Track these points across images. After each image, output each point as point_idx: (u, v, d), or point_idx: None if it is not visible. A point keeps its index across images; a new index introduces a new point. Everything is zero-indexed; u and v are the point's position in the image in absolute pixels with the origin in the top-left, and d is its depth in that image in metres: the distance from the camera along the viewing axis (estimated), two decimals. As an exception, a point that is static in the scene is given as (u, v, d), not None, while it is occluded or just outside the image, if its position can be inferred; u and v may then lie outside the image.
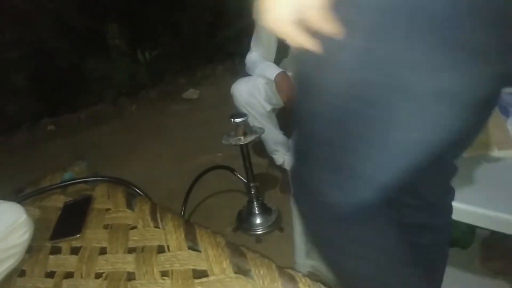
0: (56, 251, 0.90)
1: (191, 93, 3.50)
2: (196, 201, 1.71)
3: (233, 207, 1.59)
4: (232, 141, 1.26)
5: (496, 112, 0.82)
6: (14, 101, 2.78)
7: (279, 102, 1.57)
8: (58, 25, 2.93)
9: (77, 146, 2.69)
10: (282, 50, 1.72)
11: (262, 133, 1.34)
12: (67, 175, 1.25)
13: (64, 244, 0.90)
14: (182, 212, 1.48)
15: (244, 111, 1.58)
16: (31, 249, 0.90)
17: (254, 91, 1.54)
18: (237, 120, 1.22)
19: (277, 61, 1.78)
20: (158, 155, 2.33)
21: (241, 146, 1.32)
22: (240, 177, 1.45)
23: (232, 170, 1.50)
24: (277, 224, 1.46)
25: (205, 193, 1.75)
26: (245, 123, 1.27)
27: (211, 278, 0.71)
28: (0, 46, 2.51)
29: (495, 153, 0.78)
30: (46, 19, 2.76)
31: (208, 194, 1.74)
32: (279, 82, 1.49)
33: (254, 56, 1.65)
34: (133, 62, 3.52)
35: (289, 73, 1.63)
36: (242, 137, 1.26)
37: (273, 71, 1.52)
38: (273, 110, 1.66)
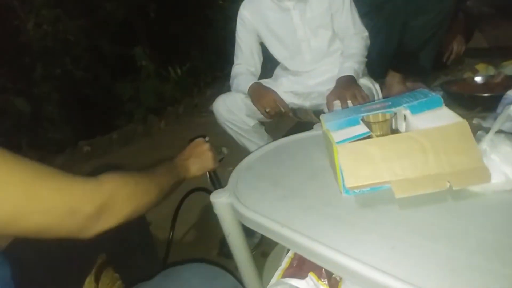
0: None
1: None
2: (186, 221, 1.68)
3: (219, 230, 1.52)
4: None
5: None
6: (54, 129, 3.02)
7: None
8: (87, 55, 3.12)
9: (108, 165, 2.85)
10: (273, 59, 1.62)
11: (226, 154, 1.26)
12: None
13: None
14: (171, 235, 1.45)
15: (227, 128, 1.52)
16: None
17: (233, 108, 1.46)
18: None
19: (270, 70, 1.69)
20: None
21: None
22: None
23: (209, 192, 1.43)
24: (260, 248, 1.35)
25: (196, 213, 1.71)
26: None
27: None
28: (32, 82, 2.74)
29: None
30: (73, 51, 2.96)
31: (198, 215, 1.70)
32: (251, 95, 1.40)
33: (236, 69, 1.57)
34: (162, 80, 3.64)
35: (268, 83, 1.53)
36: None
37: (246, 84, 1.43)
38: (261, 124, 1.57)
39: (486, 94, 1.39)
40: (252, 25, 1.51)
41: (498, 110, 1.08)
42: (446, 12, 1.61)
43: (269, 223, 0.66)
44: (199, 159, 0.89)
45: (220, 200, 0.79)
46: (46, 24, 2.78)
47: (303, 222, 0.65)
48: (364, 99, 1.17)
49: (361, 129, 0.68)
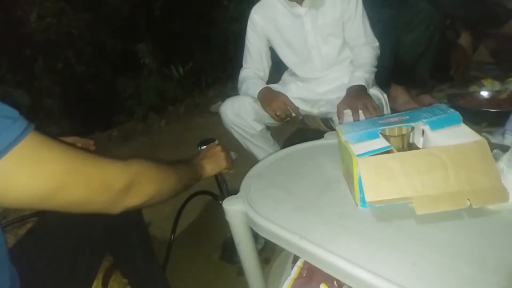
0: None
1: (219, 106, 3.48)
2: (188, 224, 1.67)
3: (222, 234, 1.52)
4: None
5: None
6: (53, 123, 2.99)
7: (272, 120, 1.48)
8: (90, 49, 3.10)
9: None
10: (281, 64, 1.62)
11: (235, 158, 1.25)
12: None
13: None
14: (172, 238, 1.44)
15: (233, 132, 1.52)
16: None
17: (241, 112, 1.46)
18: (204, 147, 1.14)
19: (279, 75, 1.69)
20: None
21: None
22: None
23: (215, 197, 1.42)
24: (263, 255, 1.35)
25: (197, 215, 1.71)
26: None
27: None
28: (33, 75, 2.71)
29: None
30: (76, 45, 2.94)
31: (200, 217, 1.69)
32: (261, 99, 1.40)
33: (244, 73, 1.57)
34: (164, 79, 3.62)
35: (277, 88, 1.54)
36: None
37: (256, 88, 1.43)
38: (267, 129, 1.57)
39: (493, 110, 1.40)
40: (263, 30, 1.51)
41: (507, 126, 1.09)
42: (434, 27, 1.70)
43: (286, 234, 0.66)
44: (213, 159, 0.93)
45: (233, 208, 0.79)
46: (49, 17, 2.75)
47: (320, 234, 0.65)
48: (375, 110, 1.17)
49: (381, 143, 0.68)
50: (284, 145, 1.72)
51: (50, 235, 0.80)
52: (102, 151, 3.04)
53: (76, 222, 0.81)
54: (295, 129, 2.15)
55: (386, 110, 1.41)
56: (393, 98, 1.86)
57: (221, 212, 1.57)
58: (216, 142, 1.10)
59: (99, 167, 0.56)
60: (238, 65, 1.65)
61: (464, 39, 2.03)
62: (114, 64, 3.39)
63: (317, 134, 1.59)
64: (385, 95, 1.45)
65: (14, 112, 0.50)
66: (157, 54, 3.60)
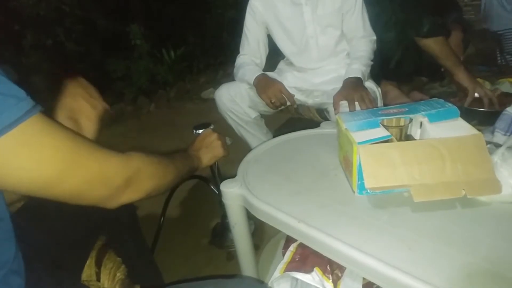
0: None
1: (210, 92, 3.47)
2: (177, 208, 1.67)
3: (212, 219, 1.53)
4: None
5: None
6: (40, 101, 2.91)
7: (267, 107, 1.48)
8: (81, 27, 3.02)
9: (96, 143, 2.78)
10: (279, 52, 1.62)
11: (230, 143, 1.25)
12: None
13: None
14: (161, 220, 1.44)
15: (228, 118, 1.52)
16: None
17: (236, 98, 1.46)
18: (200, 131, 1.14)
19: (273, 63, 1.69)
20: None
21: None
22: (215, 190, 1.38)
23: (207, 181, 1.43)
24: (252, 241, 1.36)
25: (187, 201, 1.71)
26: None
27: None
28: (21, 51, 2.63)
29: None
30: (67, 22, 2.86)
31: (190, 202, 1.69)
32: (257, 86, 1.40)
33: (241, 60, 1.56)
34: (155, 62, 3.57)
35: (273, 74, 1.54)
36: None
37: (252, 75, 1.42)
38: (261, 117, 1.57)
39: (483, 109, 1.44)
40: (262, 17, 1.50)
41: (497, 125, 1.12)
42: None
43: (284, 216, 0.67)
44: (209, 149, 0.92)
45: (231, 190, 0.79)
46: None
47: (318, 218, 0.66)
48: (371, 102, 1.19)
49: (382, 132, 0.70)
50: (277, 134, 1.73)
51: (43, 213, 0.79)
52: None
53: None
54: (288, 118, 2.16)
55: (380, 103, 1.43)
56: (384, 93, 1.89)
57: (211, 197, 1.58)
58: (212, 127, 1.10)
59: (101, 160, 0.54)
60: (231, 53, 1.64)
61: (454, 37, 2.05)
62: (105, 43, 3.32)
63: (310, 124, 1.61)
64: (379, 89, 1.47)
65: (20, 92, 0.47)
66: (149, 36, 3.54)
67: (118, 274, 0.82)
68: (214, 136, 0.94)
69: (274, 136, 1.63)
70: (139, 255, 1.02)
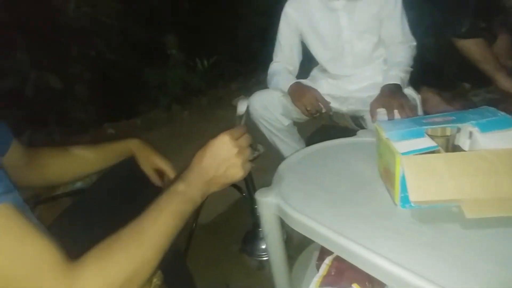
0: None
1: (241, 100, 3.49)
2: (208, 213, 1.67)
3: (243, 225, 1.51)
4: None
5: None
6: (81, 109, 3.05)
7: (300, 115, 1.46)
8: (120, 38, 3.14)
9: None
10: (311, 59, 1.60)
11: (262, 151, 1.24)
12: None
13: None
14: (193, 226, 1.45)
15: (260, 125, 1.51)
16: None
17: (269, 105, 1.44)
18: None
19: (306, 71, 1.67)
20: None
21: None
22: (247, 197, 1.36)
23: (239, 189, 1.42)
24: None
25: (218, 206, 1.71)
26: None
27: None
28: (66, 61, 2.77)
29: None
30: (107, 34, 2.99)
31: (221, 208, 1.69)
32: (292, 94, 1.38)
33: (274, 67, 1.55)
34: (189, 70, 3.64)
35: (307, 82, 1.51)
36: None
37: (286, 83, 1.41)
38: (294, 124, 1.55)
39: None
40: (296, 23, 1.48)
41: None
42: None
43: (321, 228, 0.64)
44: (223, 171, 0.63)
45: (266, 200, 0.78)
46: (85, 6, 2.80)
47: (357, 231, 0.63)
48: (411, 110, 1.14)
49: (427, 142, 0.66)
50: (309, 141, 1.70)
51: (88, 216, 0.80)
52: (128, 137, 3.10)
53: (111, 205, 0.82)
54: (320, 125, 2.12)
55: (420, 111, 1.37)
56: (424, 100, 1.81)
57: (242, 204, 1.57)
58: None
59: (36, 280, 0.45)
60: (263, 60, 1.64)
61: (501, 41, 1.94)
62: (142, 53, 3.43)
63: (344, 132, 1.57)
64: (419, 97, 1.41)
65: None
66: (183, 45, 3.62)
67: (154, 280, 0.82)
68: (232, 151, 0.62)
69: (307, 144, 1.62)
70: (174, 261, 1.02)
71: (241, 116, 0.76)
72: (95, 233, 0.77)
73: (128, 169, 0.94)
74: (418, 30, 1.53)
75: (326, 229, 0.64)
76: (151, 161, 0.96)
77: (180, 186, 0.60)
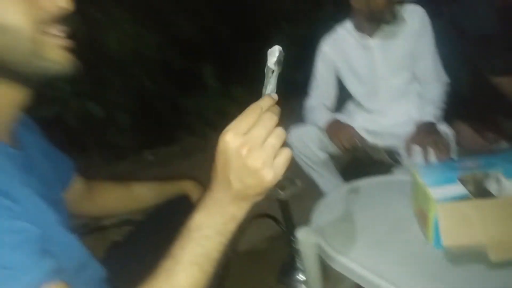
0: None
1: (275, 127, 3.58)
2: (243, 243, 1.73)
3: (279, 255, 1.56)
4: (271, 194, 1.25)
5: None
6: (121, 136, 3.27)
7: (336, 149, 1.51)
8: (159, 69, 3.37)
9: (170, 175, 3.02)
10: (345, 93, 1.67)
11: (301, 187, 1.31)
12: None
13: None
14: (230, 255, 1.51)
15: (297, 159, 1.57)
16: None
17: (307, 140, 1.51)
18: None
19: (341, 104, 1.73)
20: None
21: (280, 200, 1.30)
22: (284, 229, 1.42)
23: (277, 221, 1.48)
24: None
25: (255, 236, 1.76)
26: (283, 176, 1.25)
27: None
28: (109, 92, 3.00)
29: None
30: (147, 65, 3.21)
31: (258, 238, 1.74)
32: (328, 130, 1.44)
33: (311, 102, 1.63)
34: (225, 98, 3.81)
35: (342, 118, 1.57)
36: (280, 191, 1.25)
37: (323, 118, 1.48)
38: (330, 157, 1.61)
39: None
40: (332, 61, 1.56)
41: None
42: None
43: (363, 271, 0.70)
44: (245, 183, 0.45)
45: (306, 238, 0.84)
46: (126, 39, 3.04)
47: (395, 274, 0.68)
48: (445, 148, 1.17)
49: (459, 188, 0.70)
50: (344, 173, 1.75)
51: (140, 250, 0.86)
52: (165, 165, 3.26)
53: (163, 241, 0.89)
54: (355, 156, 2.16)
55: (454, 146, 1.39)
56: (457, 133, 1.81)
57: (280, 235, 1.62)
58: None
59: None
60: (296, 88, 1.70)
61: None
62: (180, 82, 3.64)
63: (379, 165, 1.60)
64: (452, 132, 1.43)
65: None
66: (220, 74, 3.80)
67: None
68: (240, 155, 0.44)
69: (342, 176, 1.67)
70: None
71: (269, 70, 0.52)
72: (147, 268, 0.84)
73: (182, 207, 1.01)
74: (453, 65, 1.57)
75: (366, 271, 0.69)
76: None
77: (195, 221, 0.48)
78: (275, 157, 0.45)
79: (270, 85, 0.52)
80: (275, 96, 0.50)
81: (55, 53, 0.50)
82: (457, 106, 1.76)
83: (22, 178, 0.47)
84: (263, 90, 0.53)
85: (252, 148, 0.44)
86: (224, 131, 0.47)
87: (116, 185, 0.99)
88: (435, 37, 1.43)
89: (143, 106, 3.38)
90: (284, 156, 0.45)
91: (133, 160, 3.41)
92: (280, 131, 0.45)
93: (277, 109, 0.48)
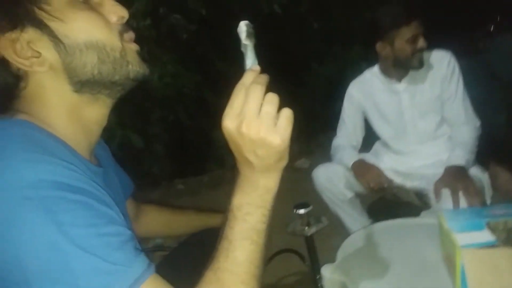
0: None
1: (302, 163, 3.60)
2: (270, 279, 1.73)
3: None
4: (297, 231, 1.27)
5: None
6: (157, 165, 3.40)
7: (363, 189, 1.53)
8: (196, 104, 3.54)
9: (199, 204, 3.09)
10: (373, 134, 1.70)
11: (326, 224, 1.32)
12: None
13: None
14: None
15: (324, 196, 1.59)
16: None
17: (333, 178, 1.54)
18: (300, 211, 1.24)
19: (368, 145, 1.76)
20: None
21: (305, 236, 1.31)
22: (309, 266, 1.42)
23: (302, 258, 1.48)
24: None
25: (280, 272, 1.75)
26: (309, 213, 1.27)
27: None
28: (148, 123, 3.18)
29: None
30: (186, 100, 3.40)
31: (283, 274, 1.73)
32: (355, 170, 1.46)
33: (338, 142, 1.67)
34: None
35: (369, 158, 1.59)
36: (306, 228, 1.27)
37: (350, 159, 1.50)
38: (356, 196, 1.61)
39: None
40: (360, 103, 1.61)
41: None
42: None
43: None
44: (257, 155, 0.49)
45: (331, 276, 0.85)
46: (168, 77, 3.25)
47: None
48: (476, 193, 1.16)
49: (487, 236, 0.71)
50: (370, 211, 1.73)
51: (177, 277, 0.90)
52: (194, 194, 3.34)
53: (197, 263, 0.92)
54: (382, 197, 2.14)
55: (488, 190, 1.37)
56: (493, 177, 1.77)
57: (305, 272, 1.61)
58: (311, 208, 1.15)
59: None
60: (323, 123, 1.75)
61: None
62: (213, 116, 3.80)
63: (406, 206, 1.58)
64: (486, 175, 1.41)
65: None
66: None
67: None
68: (241, 136, 0.48)
69: (368, 214, 1.66)
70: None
71: (245, 47, 0.54)
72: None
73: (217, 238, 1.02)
74: (489, 107, 1.57)
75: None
76: None
77: (234, 203, 0.53)
78: (275, 121, 0.48)
79: (249, 59, 0.54)
80: (256, 67, 0.52)
81: (133, 57, 0.57)
82: (494, 149, 1.74)
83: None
84: (244, 67, 0.54)
85: (249, 122, 0.47)
86: (222, 119, 0.50)
87: (162, 209, 1.02)
88: (468, 80, 1.46)
89: (178, 137, 3.54)
90: (284, 117, 0.49)
91: (164, 188, 3.53)
92: (270, 96, 0.48)
93: (262, 78, 0.50)
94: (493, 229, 0.76)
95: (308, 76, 4.32)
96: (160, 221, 0.99)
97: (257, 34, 0.55)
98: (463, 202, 1.15)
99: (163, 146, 3.25)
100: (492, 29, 4.77)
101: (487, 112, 1.67)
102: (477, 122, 1.45)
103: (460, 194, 1.16)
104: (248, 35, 0.54)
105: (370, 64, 1.61)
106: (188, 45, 3.37)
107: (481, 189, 1.28)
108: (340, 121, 1.69)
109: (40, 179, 0.43)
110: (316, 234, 1.31)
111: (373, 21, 1.46)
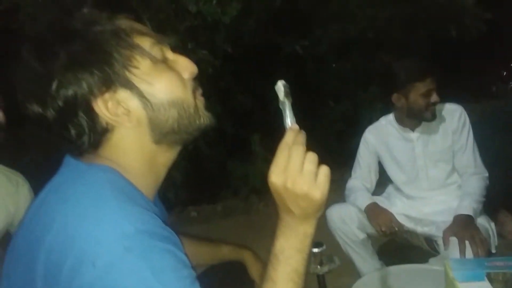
0: None
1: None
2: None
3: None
4: (309, 269, 1.33)
5: None
6: (172, 190, 3.51)
7: (375, 231, 1.59)
8: (215, 135, 3.70)
9: (210, 233, 3.14)
10: (386, 177, 1.78)
11: (338, 264, 1.38)
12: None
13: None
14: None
15: (336, 236, 1.66)
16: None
17: (346, 218, 1.61)
18: (314, 250, 1.31)
19: (381, 188, 1.83)
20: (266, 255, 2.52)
21: (317, 275, 1.38)
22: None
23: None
24: None
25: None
26: (322, 252, 1.34)
27: None
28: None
29: None
30: (206, 130, 3.54)
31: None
32: (368, 213, 1.54)
33: (352, 183, 1.75)
34: (269, 165, 4.02)
35: (382, 201, 1.66)
36: (319, 266, 1.33)
37: (364, 201, 1.58)
38: (368, 237, 1.68)
39: None
40: (375, 148, 1.71)
41: None
42: None
43: None
44: (301, 207, 0.56)
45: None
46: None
47: None
48: (482, 243, 1.22)
49: (486, 286, 0.78)
50: (381, 252, 1.78)
51: None
52: (207, 222, 3.41)
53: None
54: (393, 240, 2.18)
55: (493, 239, 1.42)
56: (501, 224, 1.82)
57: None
58: (324, 247, 1.17)
59: None
60: (336, 159, 1.82)
61: None
62: (230, 148, 3.94)
63: (415, 250, 1.63)
64: (493, 224, 1.47)
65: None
66: (266, 143, 4.06)
67: None
68: (287, 190, 0.55)
69: (379, 255, 1.71)
70: None
71: (283, 104, 0.60)
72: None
73: (235, 273, 1.05)
74: (497, 157, 1.64)
75: None
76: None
77: (277, 247, 0.58)
78: (316, 177, 0.54)
79: (288, 118, 0.59)
80: (296, 127, 0.59)
81: (203, 111, 0.63)
82: (502, 196, 1.80)
83: None
84: (284, 124, 0.59)
85: (294, 179, 0.54)
86: (268, 175, 0.56)
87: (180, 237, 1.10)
88: (479, 129, 1.55)
89: (195, 166, 3.66)
90: (323, 174, 0.54)
91: (178, 214, 3.62)
92: (311, 155, 0.54)
93: (301, 136, 0.57)
94: (492, 280, 0.83)
95: (323, 113, 4.46)
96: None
97: (280, 74, 0.64)
98: (469, 252, 1.21)
99: (180, 173, 3.37)
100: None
101: (498, 161, 1.74)
102: (485, 173, 1.53)
103: (467, 243, 1.23)
104: (286, 94, 0.60)
105: (384, 105, 1.70)
106: (212, 79, 3.56)
107: (487, 237, 1.34)
108: (355, 164, 1.78)
109: (136, 229, 0.49)
110: (328, 273, 1.38)
111: (389, 74, 1.58)
